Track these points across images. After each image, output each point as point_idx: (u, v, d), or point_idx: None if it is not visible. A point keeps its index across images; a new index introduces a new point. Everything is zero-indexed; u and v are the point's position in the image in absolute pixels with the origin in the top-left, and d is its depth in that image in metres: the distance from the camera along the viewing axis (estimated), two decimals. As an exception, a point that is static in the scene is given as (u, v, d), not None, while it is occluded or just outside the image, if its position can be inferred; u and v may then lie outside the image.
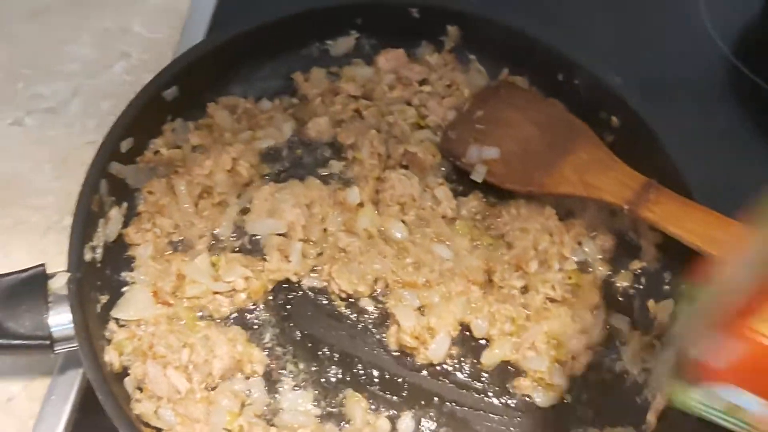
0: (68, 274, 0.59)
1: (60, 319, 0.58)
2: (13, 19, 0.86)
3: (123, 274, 0.67)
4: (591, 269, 0.70)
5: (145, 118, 0.69)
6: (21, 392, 0.65)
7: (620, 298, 0.70)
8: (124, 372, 0.62)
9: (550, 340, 0.65)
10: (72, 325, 0.58)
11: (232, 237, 0.71)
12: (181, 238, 0.70)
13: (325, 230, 0.71)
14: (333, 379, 0.65)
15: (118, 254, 0.67)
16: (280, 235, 0.70)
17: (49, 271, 0.60)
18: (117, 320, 0.64)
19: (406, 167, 0.75)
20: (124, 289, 0.66)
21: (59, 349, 0.58)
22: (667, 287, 0.68)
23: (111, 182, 0.66)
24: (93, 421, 0.63)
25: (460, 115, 0.77)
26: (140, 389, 0.62)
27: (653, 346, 0.66)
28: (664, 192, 0.65)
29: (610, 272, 0.71)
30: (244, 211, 0.72)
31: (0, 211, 0.73)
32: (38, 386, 0.65)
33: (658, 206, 0.64)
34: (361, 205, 0.72)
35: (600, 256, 0.71)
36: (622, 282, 0.70)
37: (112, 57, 0.83)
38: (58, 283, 0.59)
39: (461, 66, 0.80)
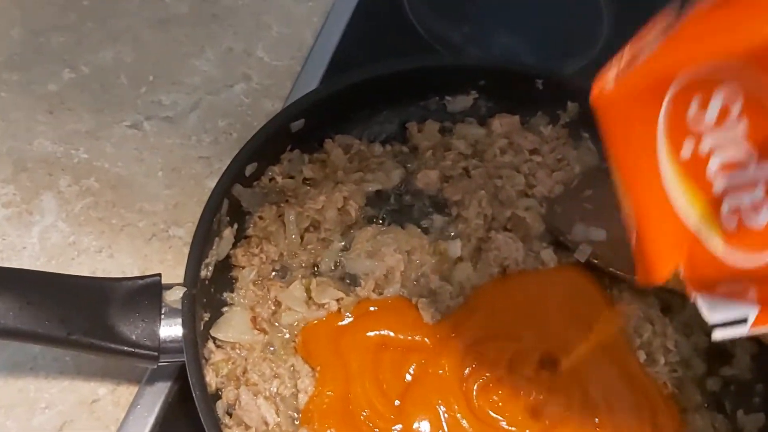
0: (184, 289, 0.59)
1: (170, 332, 0.58)
2: (142, 25, 0.88)
3: (225, 294, 0.67)
4: (690, 366, 0.69)
5: (270, 146, 0.70)
6: (107, 395, 0.65)
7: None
8: (216, 394, 0.62)
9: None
10: (180, 339, 0.58)
11: (331, 273, 0.71)
12: (283, 266, 0.70)
13: (421, 275, 0.71)
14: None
15: (222, 273, 0.68)
16: (377, 275, 0.71)
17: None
18: (215, 340, 0.64)
19: (509, 231, 0.75)
20: (224, 309, 0.66)
21: (163, 361, 0.59)
22: (757, 399, 0.67)
23: (230, 202, 0.67)
24: (175, 436, 0.63)
25: (567, 191, 0.77)
26: (229, 414, 0.62)
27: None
28: (774, 305, 0.64)
29: (704, 372, 0.70)
30: (345, 249, 0.73)
31: (110, 211, 0.74)
32: (124, 392, 0.65)
33: (766, 319, 0.64)
34: (460, 259, 0.73)
35: (696, 355, 0.70)
36: (711, 386, 0.69)
37: (233, 77, 0.85)
38: (174, 297, 0.59)
39: (573, 142, 0.80)
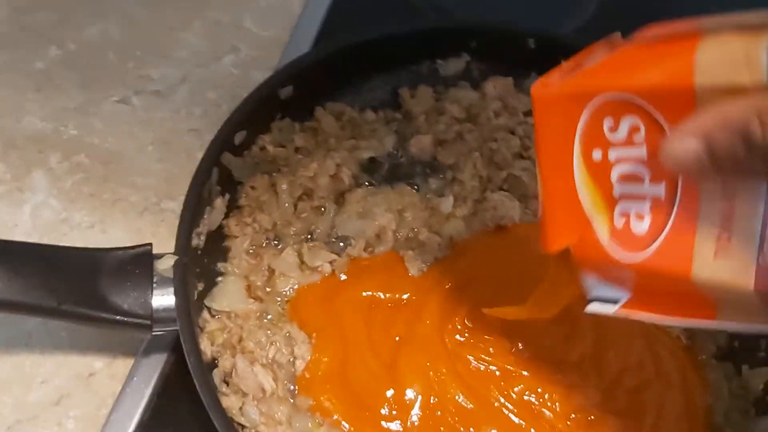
0: (175, 257, 0.58)
1: (162, 301, 0.57)
2: (128, 0, 0.87)
3: (218, 264, 0.66)
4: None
5: (259, 113, 0.69)
6: (103, 369, 0.64)
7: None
8: (212, 363, 0.62)
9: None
10: (174, 308, 0.57)
11: (326, 239, 0.70)
12: (277, 235, 0.70)
13: (411, 230, 0.71)
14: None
15: (215, 244, 0.67)
16: (369, 235, 0.70)
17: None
18: (210, 309, 0.64)
19: (505, 191, 0.74)
20: (219, 279, 0.66)
21: (157, 330, 0.58)
22: (762, 354, 0.67)
23: (221, 172, 0.66)
24: (173, 407, 0.62)
25: (563, 152, 0.76)
26: (226, 383, 0.61)
27: (747, 411, 0.64)
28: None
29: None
30: (338, 213, 0.72)
31: (101, 186, 0.73)
32: (120, 365, 0.65)
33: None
34: (453, 215, 0.72)
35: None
36: (718, 340, 0.68)
37: (221, 49, 0.84)
38: (165, 265, 0.58)
39: (568, 102, 0.79)
